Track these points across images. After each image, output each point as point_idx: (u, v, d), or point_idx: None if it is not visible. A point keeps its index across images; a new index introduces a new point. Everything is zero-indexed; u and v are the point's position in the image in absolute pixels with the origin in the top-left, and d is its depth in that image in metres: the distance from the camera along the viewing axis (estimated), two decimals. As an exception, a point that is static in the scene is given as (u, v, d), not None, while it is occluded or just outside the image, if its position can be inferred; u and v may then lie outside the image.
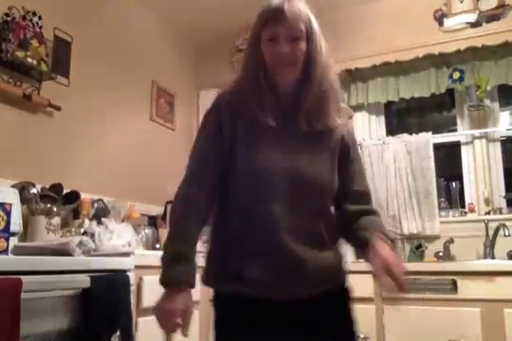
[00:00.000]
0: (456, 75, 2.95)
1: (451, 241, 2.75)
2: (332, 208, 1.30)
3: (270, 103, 1.21)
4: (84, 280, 1.52)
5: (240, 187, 1.22)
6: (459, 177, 3.01)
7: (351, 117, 1.36)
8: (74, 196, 2.28)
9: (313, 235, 1.22)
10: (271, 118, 1.20)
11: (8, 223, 1.56)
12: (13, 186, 2.05)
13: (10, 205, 1.60)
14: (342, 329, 1.26)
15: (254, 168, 1.19)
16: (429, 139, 2.98)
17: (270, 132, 1.21)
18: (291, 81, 1.22)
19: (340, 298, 1.30)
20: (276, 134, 1.21)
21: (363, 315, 2.26)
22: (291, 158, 1.20)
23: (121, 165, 2.75)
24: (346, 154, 1.29)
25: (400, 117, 3.38)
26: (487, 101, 2.95)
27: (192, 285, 1.16)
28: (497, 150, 2.95)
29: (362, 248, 1.25)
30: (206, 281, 1.28)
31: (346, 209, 1.30)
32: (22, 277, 1.31)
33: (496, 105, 3.01)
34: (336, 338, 1.24)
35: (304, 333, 1.24)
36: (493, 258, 2.63)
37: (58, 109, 2.38)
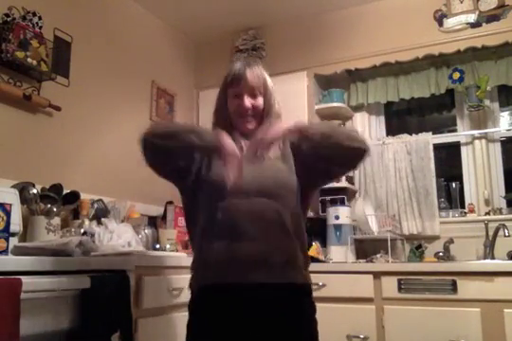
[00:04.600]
0: (456, 75, 2.95)
1: (451, 241, 2.75)
2: (297, 205, 1.47)
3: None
4: (84, 281, 1.52)
5: (206, 191, 1.44)
6: (459, 177, 3.02)
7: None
8: (74, 196, 2.28)
9: (275, 224, 1.39)
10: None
11: (8, 223, 1.56)
12: (13, 186, 2.05)
13: (10, 205, 1.60)
14: (293, 326, 1.38)
15: (217, 173, 1.42)
16: (429, 139, 2.98)
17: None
18: (251, 130, 1.50)
19: (298, 298, 1.42)
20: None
21: (363, 315, 2.29)
22: (253, 167, 1.42)
23: (121, 165, 2.75)
24: (297, 146, 1.51)
25: (400, 118, 3.38)
26: (487, 102, 2.95)
27: None
28: (497, 150, 2.95)
29: None
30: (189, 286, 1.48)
31: None
32: (22, 277, 1.31)
33: (496, 105, 3.02)
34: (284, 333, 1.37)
35: (257, 323, 1.38)
36: (493, 258, 2.64)
37: (58, 109, 2.38)
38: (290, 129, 1.43)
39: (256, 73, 1.52)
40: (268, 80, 1.56)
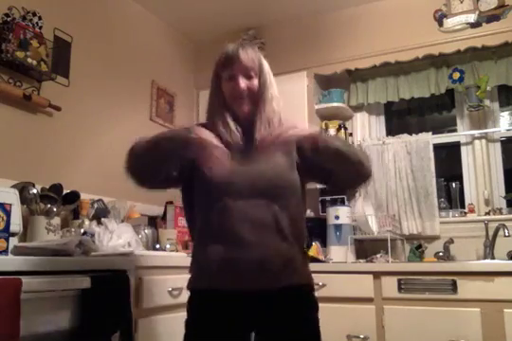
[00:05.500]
0: (456, 75, 2.95)
1: (451, 241, 2.75)
2: (298, 204, 1.42)
3: (233, 129, 1.43)
4: (84, 281, 1.51)
5: (201, 191, 1.41)
6: (459, 177, 3.01)
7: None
8: (74, 196, 2.28)
9: (271, 227, 1.34)
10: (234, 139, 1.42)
11: (8, 223, 1.56)
12: (13, 186, 2.05)
13: (10, 205, 1.60)
14: (294, 329, 1.35)
15: (212, 171, 1.36)
16: (429, 139, 2.98)
17: (231, 148, 1.39)
18: (247, 111, 1.44)
19: (297, 298, 1.38)
20: (235, 148, 1.40)
21: (363, 315, 2.29)
22: (248, 162, 1.39)
23: (121, 165, 2.74)
24: (304, 148, 1.42)
25: (400, 118, 3.38)
26: (487, 101, 2.95)
27: None
28: (497, 150, 2.95)
29: None
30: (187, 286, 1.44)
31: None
32: (22, 277, 1.31)
33: (496, 105, 3.01)
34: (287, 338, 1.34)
35: (253, 329, 1.38)
36: (493, 258, 2.64)
37: (58, 109, 2.38)
38: (306, 135, 1.37)
39: (250, 53, 1.45)
40: (264, 61, 1.49)
